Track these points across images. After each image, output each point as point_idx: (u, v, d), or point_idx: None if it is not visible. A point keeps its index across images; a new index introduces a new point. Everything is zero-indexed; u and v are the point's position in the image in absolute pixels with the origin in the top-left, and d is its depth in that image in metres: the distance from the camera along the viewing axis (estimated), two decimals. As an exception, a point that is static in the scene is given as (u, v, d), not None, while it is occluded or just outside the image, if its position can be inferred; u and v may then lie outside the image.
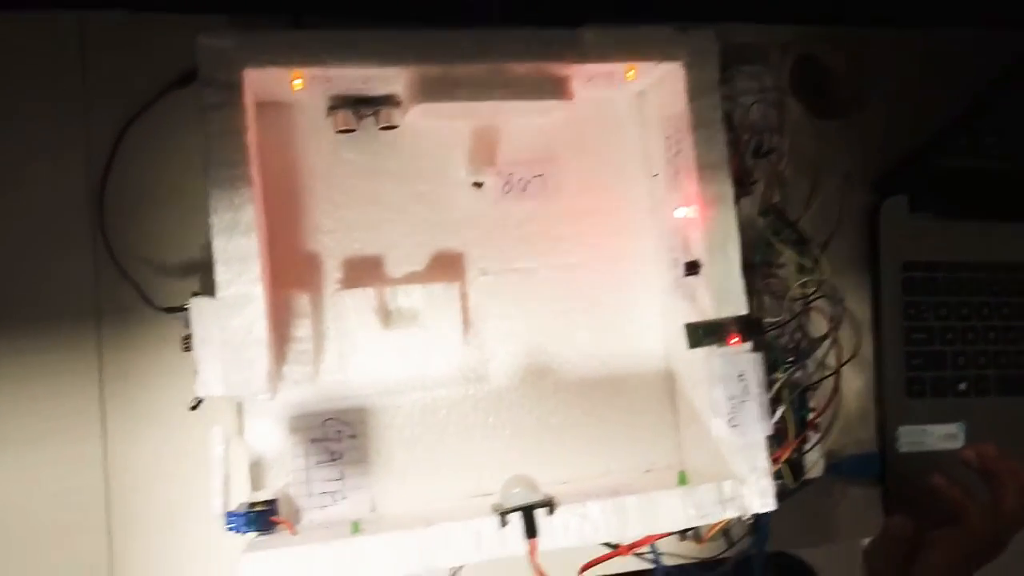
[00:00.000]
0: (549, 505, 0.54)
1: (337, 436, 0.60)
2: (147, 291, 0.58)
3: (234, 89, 0.51)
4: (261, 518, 0.55)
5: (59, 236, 0.59)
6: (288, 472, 0.58)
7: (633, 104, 0.66)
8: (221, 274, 0.51)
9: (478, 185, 0.64)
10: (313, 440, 0.59)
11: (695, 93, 0.59)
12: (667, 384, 0.66)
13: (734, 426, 0.58)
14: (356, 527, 0.54)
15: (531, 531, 0.53)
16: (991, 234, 0.75)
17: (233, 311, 0.50)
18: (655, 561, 0.66)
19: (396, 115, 0.60)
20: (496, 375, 0.63)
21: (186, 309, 0.54)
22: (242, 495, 0.57)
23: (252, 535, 0.55)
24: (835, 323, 0.63)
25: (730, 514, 0.57)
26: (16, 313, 0.58)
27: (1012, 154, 0.71)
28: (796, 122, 0.69)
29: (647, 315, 0.66)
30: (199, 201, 0.59)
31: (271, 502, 0.56)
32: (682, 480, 0.59)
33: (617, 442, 0.65)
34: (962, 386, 0.75)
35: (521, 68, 0.57)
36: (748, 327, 0.58)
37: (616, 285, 0.66)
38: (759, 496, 0.57)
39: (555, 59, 0.56)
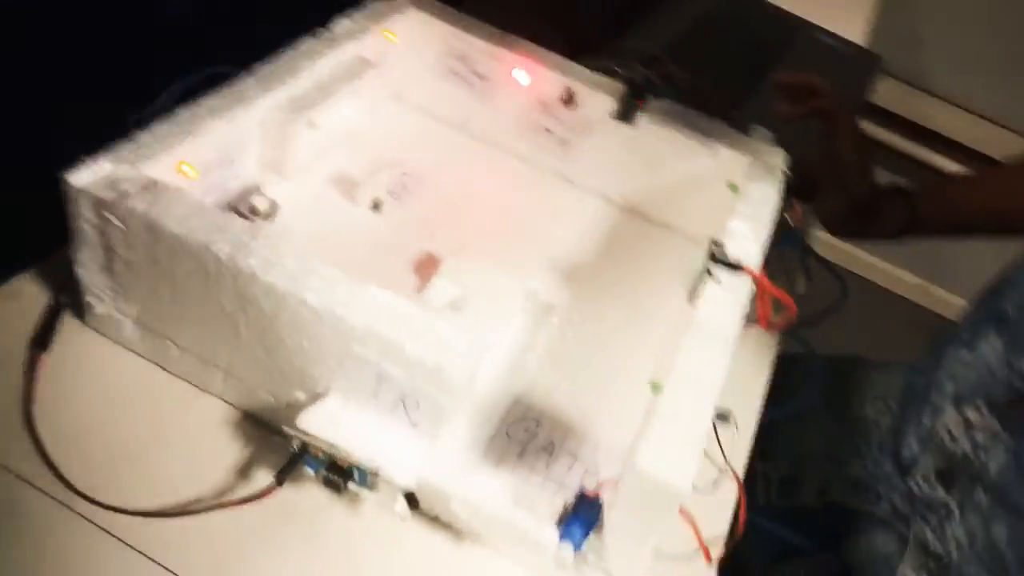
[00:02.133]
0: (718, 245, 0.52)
1: (529, 433, 0.49)
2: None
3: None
4: (589, 512, 0.42)
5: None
6: (541, 491, 0.46)
7: (403, 71, 0.70)
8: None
9: (377, 207, 0.61)
10: (520, 456, 0.48)
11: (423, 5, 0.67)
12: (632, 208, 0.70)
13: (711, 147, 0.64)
14: (656, 387, 0.44)
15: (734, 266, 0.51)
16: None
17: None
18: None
19: (270, 195, 0.55)
20: (555, 296, 0.59)
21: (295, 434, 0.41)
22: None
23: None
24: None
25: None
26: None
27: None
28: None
29: (576, 178, 0.70)
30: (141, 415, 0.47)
31: (583, 499, 0.43)
32: (734, 188, 0.61)
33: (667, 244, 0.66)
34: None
35: (331, 62, 0.58)
36: (642, 88, 0.65)
37: (542, 179, 0.69)
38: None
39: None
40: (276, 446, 0.44)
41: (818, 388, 0.81)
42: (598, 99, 0.65)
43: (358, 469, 0.41)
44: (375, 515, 0.45)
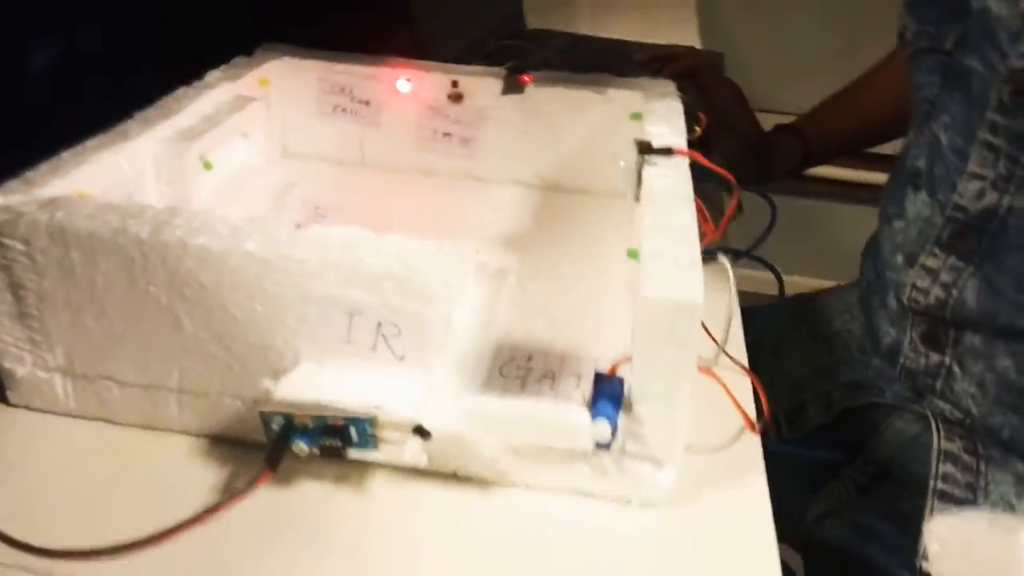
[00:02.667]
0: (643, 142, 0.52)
1: (524, 369, 0.46)
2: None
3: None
4: (610, 387, 0.38)
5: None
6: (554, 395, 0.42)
7: (286, 117, 0.69)
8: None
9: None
10: (523, 388, 0.44)
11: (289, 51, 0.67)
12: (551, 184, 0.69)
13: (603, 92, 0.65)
14: (634, 254, 0.42)
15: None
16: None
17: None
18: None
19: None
20: (502, 258, 0.57)
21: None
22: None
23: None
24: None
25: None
26: None
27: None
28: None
29: (487, 174, 0.69)
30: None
31: (600, 379, 0.39)
32: (637, 116, 0.62)
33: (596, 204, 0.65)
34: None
35: (212, 100, 0.56)
36: (517, 70, 0.66)
37: (456, 185, 0.69)
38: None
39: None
40: (257, 458, 0.39)
41: (780, 324, 0.81)
42: (483, 85, 0.66)
43: (355, 424, 0.37)
44: (387, 490, 0.40)
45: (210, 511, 0.36)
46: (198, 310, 0.39)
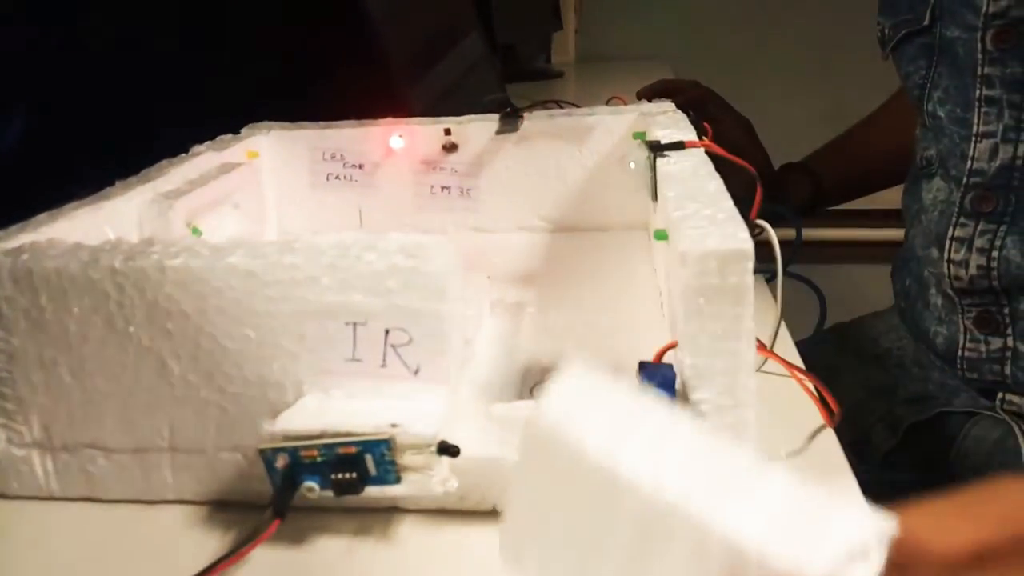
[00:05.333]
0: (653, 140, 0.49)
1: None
2: None
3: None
4: (657, 372, 0.33)
5: None
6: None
7: (278, 188, 0.66)
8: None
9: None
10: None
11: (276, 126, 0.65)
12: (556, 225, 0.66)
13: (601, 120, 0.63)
14: (662, 235, 0.38)
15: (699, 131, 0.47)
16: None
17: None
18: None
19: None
20: (518, 294, 0.53)
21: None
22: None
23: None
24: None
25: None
26: None
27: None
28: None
29: (492, 225, 0.66)
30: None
31: (645, 367, 0.34)
32: (640, 135, 0.59)
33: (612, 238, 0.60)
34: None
35: (198, 166, 0.54)
36: (513, 113, 0.64)
37: (461, 240, 0.64)
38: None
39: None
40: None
41: (825, 353, 0.76)
42: (478, 130, 0.63)
43: (370, 450, 0.32)
44: (417, 537, 0.35)
45: (209, 570, 0.30)
46: (184, 347, 0.34)
